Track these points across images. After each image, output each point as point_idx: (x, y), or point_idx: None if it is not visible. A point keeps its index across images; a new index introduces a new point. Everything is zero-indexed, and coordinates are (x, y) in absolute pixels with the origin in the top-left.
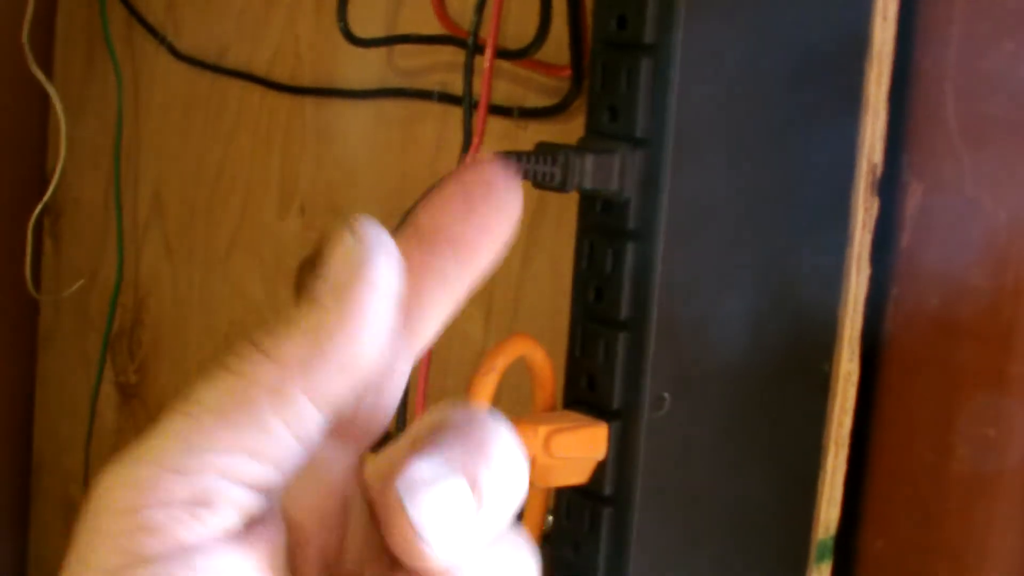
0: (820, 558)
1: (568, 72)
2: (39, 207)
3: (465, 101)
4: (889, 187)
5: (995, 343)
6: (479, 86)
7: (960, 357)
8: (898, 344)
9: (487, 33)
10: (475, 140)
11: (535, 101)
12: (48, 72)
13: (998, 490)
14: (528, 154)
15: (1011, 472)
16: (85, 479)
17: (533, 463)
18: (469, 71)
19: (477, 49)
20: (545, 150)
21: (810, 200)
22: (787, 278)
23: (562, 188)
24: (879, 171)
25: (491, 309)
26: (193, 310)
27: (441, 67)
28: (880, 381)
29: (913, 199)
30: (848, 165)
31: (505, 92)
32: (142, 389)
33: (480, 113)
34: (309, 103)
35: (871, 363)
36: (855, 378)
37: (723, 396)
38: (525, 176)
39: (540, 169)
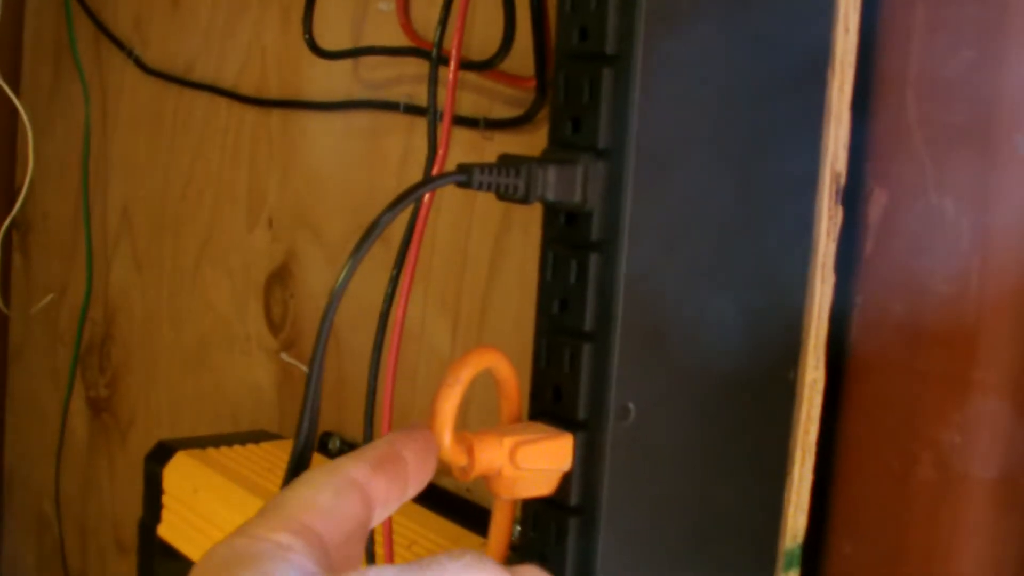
0: (788, 566)
1: (533, 83)
2: (7, 221)
3: (430, 112)
4: (853, 195)
5: (959, 350)
6: (444, 97)
7: (925, 364)
8: (863, 351)
9: (451, 45)
10: (440, 151)
11: (500, 112)
12: (15, 87)
13: (964, 495)
14: (491, 166)
15: (976, 477)
16: (56, 493)
17: (499, 475)
18: (433, 83)
19: (441, 60)
20: (508, 162)
21: (775, 209)
22: (752, 287)
23: (525, 200)
24: (843, 179)
25: (458, 321)
26: (163, 324)
27: (407, 79)
28: (845, 388)
29: (877, 207)
30: (812, 174)
31: (470, 103)
32: (113, 403)
33: (445, 124)
34: (276, 115)
35: (836, 370)
36: (820, 386)
37: (689, 405)
38: (488, 188)
39: (503, 181)
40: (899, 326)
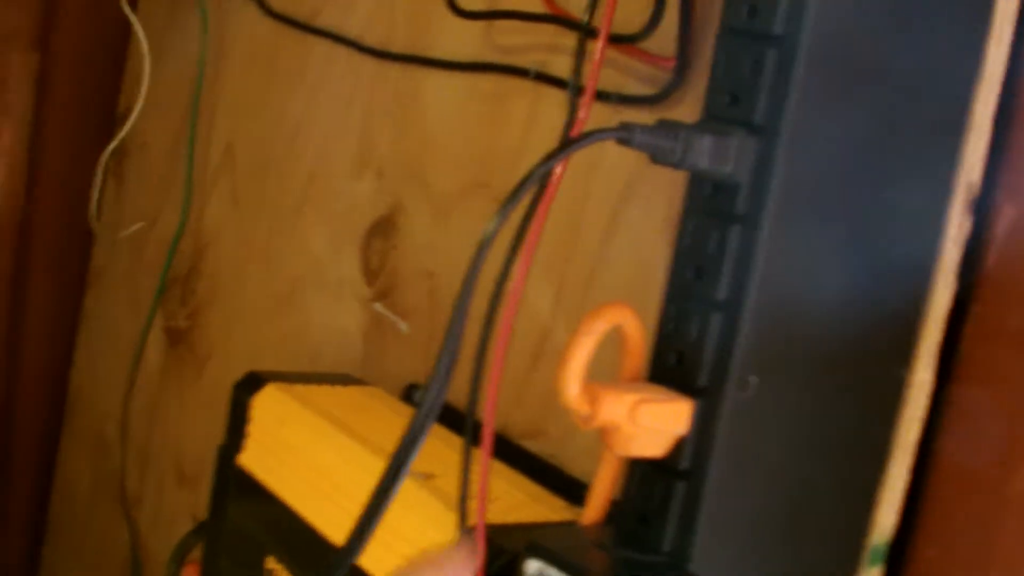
0: (872, 562)
1: (672, 63)
2: (113, 143)
3: (573, 83)
4: (982, 207)
5: None
6: (585, 70)
7: None
8: (973, 359)
9: (597, 18)
10: (582, 114)
11: (632, 88)
12: (132, 8)
13: None
14: (652, 127)
15: None
16: (123, 418)
17: (617, 430)
18: (581, 54)
19: (588, 32)
20: (668, 126)
21: (908, 209)
22: (878, 280)
23: (679, 165)
24: (976, 190)
25: (562, 289)
26: (254, 263)
27: (539, 47)
28: (951, 393)
29: (1004, 221)
30: (947, 181)
31: (602, 76)
32: (191, 336)
33: (586, 97)
34: (397, 69)
35: (944, 374)
36: (928, 388)
37: (804, 387)
38: (644, 149)
39: (661, 144)
40: (1013, 339)
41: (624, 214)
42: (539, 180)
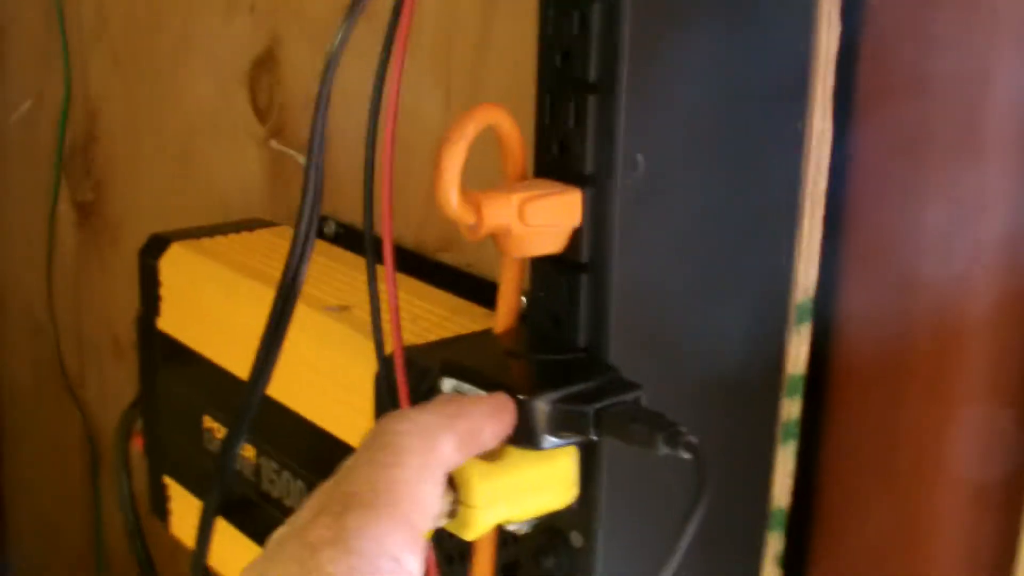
0: (800, 320)
1: None
2: None
3: None
4: None
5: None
6: None
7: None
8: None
9: None
10: None
11: None
12: None
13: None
14: None
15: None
16: (49, 300)
17: (508, 233)
18: None
19: None
20: None
21: None
22: (756, 33)
23: None
24: None
25: (450, 94)
26: (146, 120)
27: None
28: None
29: None
30: None
31: None
32: (100, 206)
33: None
34: None
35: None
36: (828, 136)
37: (698, 157)
38: None
39: None
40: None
41: (495, 6)
42: None
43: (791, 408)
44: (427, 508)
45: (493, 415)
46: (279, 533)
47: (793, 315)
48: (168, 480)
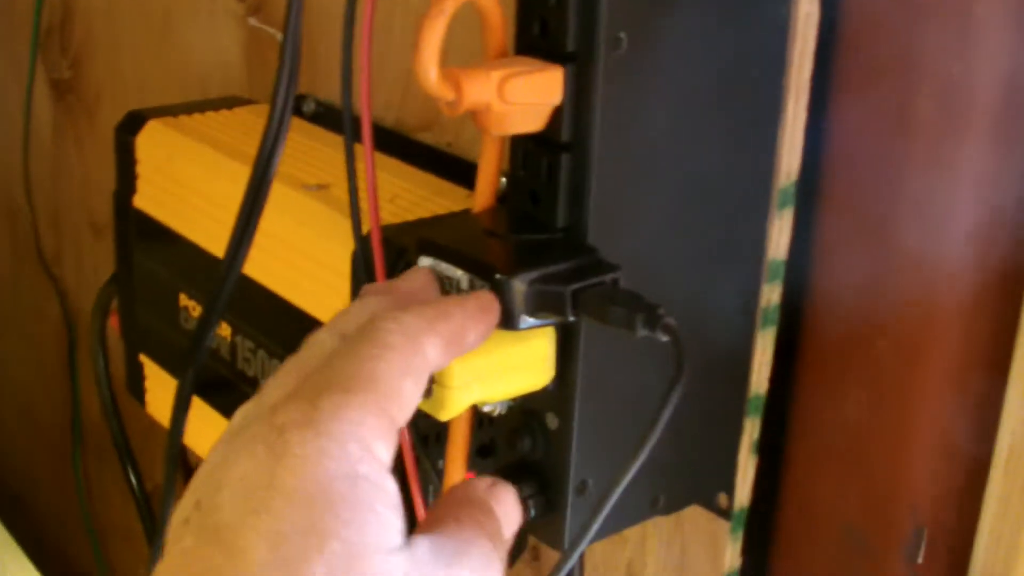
0: (783, 204)
1: None
2: None
3: None
4: None
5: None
6: None
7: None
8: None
9: None
10: None
11: None
12: None
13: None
14: None
15: None
16: (26, 180)
17: (488, 110)
18: None
19: None
20: None
21: None
22: None
23: None
24: None
25: None
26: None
27: None
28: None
29: None
30: None
31: None
32: (77, 83)
33: None
34: None
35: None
36: (815, 19)
37: (682, 37)
38: None
39: None
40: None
41: None
42: None
43: (771, 293)
44: (405, 403)
45: (476, 316)
46: (244, 411)
47: (776, 202)
48: (144, 359)
